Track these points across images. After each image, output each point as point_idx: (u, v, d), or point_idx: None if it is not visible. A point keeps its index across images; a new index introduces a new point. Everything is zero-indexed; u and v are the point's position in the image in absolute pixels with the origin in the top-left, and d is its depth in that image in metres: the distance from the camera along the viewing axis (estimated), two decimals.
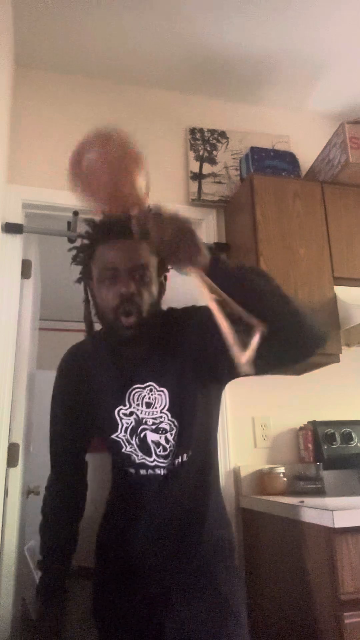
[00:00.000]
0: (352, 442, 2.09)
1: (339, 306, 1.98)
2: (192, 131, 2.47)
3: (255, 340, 0.87)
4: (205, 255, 0.95)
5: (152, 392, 1.16)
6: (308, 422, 2.14)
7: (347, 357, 2.01)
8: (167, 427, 1.15)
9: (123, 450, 1.17)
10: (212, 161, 2.44)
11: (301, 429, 2.15)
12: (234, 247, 2.24)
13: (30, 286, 2.21)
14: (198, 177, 2.39)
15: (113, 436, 1.17)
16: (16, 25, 2.09)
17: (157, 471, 1.16)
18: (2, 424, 1.87)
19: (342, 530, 1.35)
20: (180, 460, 1.17)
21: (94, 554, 1.30)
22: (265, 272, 1.13)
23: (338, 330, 1.97)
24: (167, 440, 1.15)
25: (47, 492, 1.29)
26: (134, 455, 1.17)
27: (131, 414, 1.16)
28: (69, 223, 2.18)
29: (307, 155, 2.40)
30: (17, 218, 2.10)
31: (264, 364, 0.95)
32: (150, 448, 1.16)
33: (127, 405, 1.16)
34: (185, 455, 1.17)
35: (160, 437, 1.15)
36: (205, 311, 1.05)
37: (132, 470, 1.19)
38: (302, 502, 1.59)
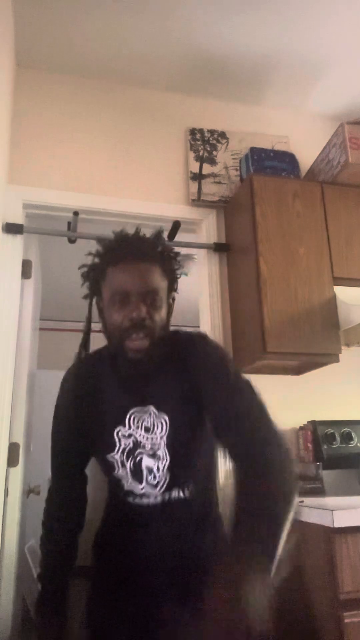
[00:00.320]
0: (352, 442, 2.09)
1: (339, 306, 1.98)
2: (192, 131, 2.47)
3: None
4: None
5: (151, 417, 1.13)
6: (308, 422, 2.14)
7: (346, 357, 2.01)
8: (161, 456, 1.12)
9: (115, 472, 1.14)
10: (212, 161, 2.44)
11: (301, 428, 2.15)
12: (234, 247, 2.25)
13: (30, 286, 2.21)
14: (198, 177, 2.40)
15: (109, 456, 1.14)
16: (16, 25, 2.10)
17: (145, 500, 1.13)
18: (2, 424, 1.88)
19: (341, 530, 1.35)
20: (176, 496, 1.13)
21: (90, 560, 1.30)
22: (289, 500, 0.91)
23: (338, 330, 1.97)
24: (158, 469, 1.12)
25: (48, 504, 1.28)
26: (124, 481, 1.14)
27: (130, 435, 1.13)
28: (69, 223, 2.18)
29: (306, 155, 2.40)
30: (18, 218, 2.11)
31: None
32: (142, 474, 1.12)
33: (127, 427, 1.13)
34: (181, 492, 1.13)
35: (155, 464, 1.12)
36: (214, 356, 1.12)
37: (121, 495, 1.17)
38: (302, 502, 1.59)
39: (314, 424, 2.10)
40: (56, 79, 2.37)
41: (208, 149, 2.46)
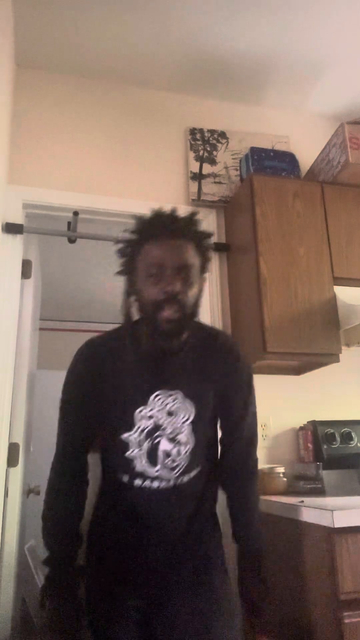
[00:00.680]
0: (352, 442, 2.09)
1: (339, 306, 1.98)
2: (192, 131, 2.47)
3: None
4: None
5: (176, 401, 1.15)
6: (308, 422, 2.14)
7: (346, 357, 2.01)
8: (184, 440, 1.14)
9: (128, 453, 1.14)
10: (212, 161, 2.44)
11: (301, 428, 2.15)
12: (234, 247, 2.24)
13: (30, 286, 2.21)
14: (198, 177, 2.40)
15: (124, 436, 1.14)
16: (16, 25, 2.10)
17: (155, 484, 1.14)
18: (2, 424, 1.87)
19: (341, 530, 1.35)
20: (189, 477, 1.16)
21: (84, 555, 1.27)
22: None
23: (338, 330, 1.97)
24: (178, 453, 1.14)
25: (50, 490, 1.24)
26: (136, 462, 1.14)
27: (151, 417, 1.14)
28: (69, 223, 2.18)
29: (306, 155, 2.40)
30: (17, 218, 2.10)
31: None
32: (157, 457, 1.13)
33: (149, 409, 1.14)
34: (193, 473, 1.17)
35: (173, 449, 1.14)
36: (247, 377, 1.25)
37: (126, 479, 1.16)
38: (302, 502, 1.59)
39: (314, 424, 2.10)
40: (56, 79, 2.37)
41: (208, 149, 2.46)
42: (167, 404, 1.14)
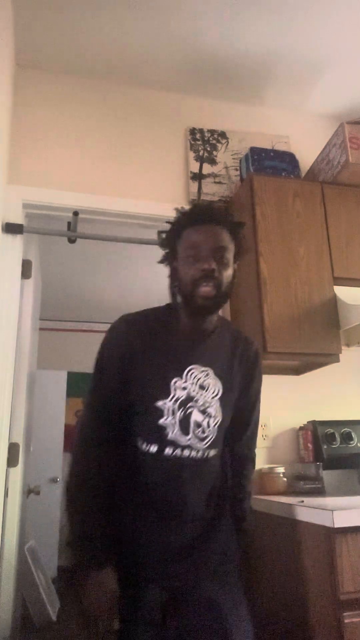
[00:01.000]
0: (351, 442, 2.09)
1: (339, 306, 1.98)
2: (192, 131, 2.47)
3: None
4: None
5: (208, 378, 1.25)
6: (308, 422, 2.14)
7: (347, 357, 2.01)
8: (213, 413, 1.24)
9: (162, 420, 1.19)
10: (212, 161, 2.44)
11: (301, 428, 2.15)
12: None
13: (30, 286, 2.21)
14: (198, 177, 2.40)
15: (159, 403, 1.20)
16: (16, 25, 2.10)
17: (186, 452, 1.19)
18: (2, 424, 1.87)
19: (341, 530, 1.35)
20: (214, 452, 1.25)
21: None
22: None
23: (338, 330, 1.97)
24: (208, 425, 1.22)
25: (77, 457, 1.23)
26: (169, 430, 1.19)
27: (184, 388, 1.22)
28: (69, 223, 2.18)
29: (307, 155, 2.40)
30: (18, 218, 2.11)
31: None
32: (189, 427, 1.20)
33: (183, 380, 1.22)
34: (217, 450, 1.26)
35: (204, 420, 1.22)
36: (260, 368, 1.39)
37: (154, 449, 1.19)
38: (302, 502, 1.59)
39: (314, 424, 2.10)
40: (56, 79, 2.37)
41: (208, 149, 2.46)
42: (199, 378, 1.24)
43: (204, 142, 2.47)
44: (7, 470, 1.90)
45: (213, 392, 1.25)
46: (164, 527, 1.20)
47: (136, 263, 4.07)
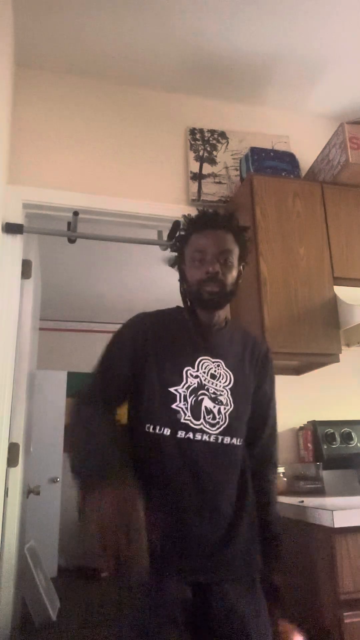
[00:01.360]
0: (351, 442, 2.09)
1: (339, 306, 1.98)
2: (192, 131, 2.47)
3: None
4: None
5: (219, 368, 1.31)
6: (308, 422, 2.14)
7: (347, 357, 2.01)
8: (224, 401, 1.28)
9: (174, 404, 1.23)
10: (212, 161, 2.44)
11: (301, 428, 2.15)
12: None
13: (30, 286, 2.21)
14: (198, 177, 2.40)
15: (172, 389, 1.25)
16: (16, 25, 2.10)
17: (199, 435, 1.22)
18: (2, 424, 1.87)
19: (342, 530, 1.35)
20: (231, 440, 1.26)
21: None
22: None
23: (338, 330, 1.97)
24: (219, 412, 1.26)
25: (75, 418, 1.23)
26: (182, 413, 1.23)
27: (196, 377, 1.28)
28: (69, 223, 2.18)
29: (307, 155, 2.40)
30: (18, 218, 2.11)
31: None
32: (200, 413, 1.25)
33: (195, 369, 1.28)
34: (235, 439, 1.27)
35: (215, 407, 1.26)
36: (272, 366, 1.43)
37: (168, 432, 1.22)
38: (302, 502, 1.59)
39: (314, 424, 2.10)
40: (56, 79, 2.37)
41: (208, 149, 2.46)
42: (210, 368, 1.30)
43: (204, 142, 2.47)
44: (7, 470, 1.90)
45: (224, 382, 1.30)
46: (182, 516, 1.18)
47: (136, 263, 4.07)
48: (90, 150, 2.32)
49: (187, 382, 1.26)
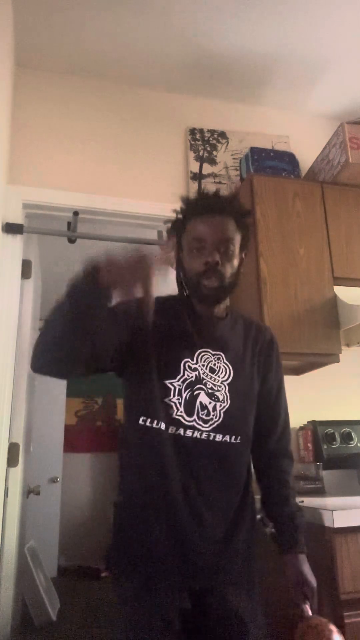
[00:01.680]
0: (351, 442, 2.09)
1: (339, 306, 1.98)
2: (192, 131, 2.47)
3: None
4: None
5: (219, 362, 1.24)
6: (308, 422, 2.14)
7: (347, 357, 2.01)
8: (221, 398, 1.21)
9: (167, 399, 1.18)
10: (212, 161, 2.44)
11: (301, 428, 2.15)
12: None
13: (30, 286, 2.21)
14: (198, 177, 2.40)
15: (167, 381, 1.19)
16: (16, 25, 2.10)
17: (189, 432, 1.16)
18: (2, 424, 1.88)
19: (342, 530, 1.35)
20: (221, 439, 1.19)
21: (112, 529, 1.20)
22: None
23: (338, 330, 1.97)
24: (214, 409, 1.20)
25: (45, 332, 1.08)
26: (174, 408, 1.18)
27: (195, 370, 1.21)
28: (69, 223, 2.18)
29: (307, 155, 2.40)
30: (17, 218, 2.11)
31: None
32: (194, 408, 1.18)
33: (194, 362, 1.22)
34: (231, 438, 1.20)
35: (210, 403, 1.20)
36: (279, 356, 1.40)
37: (163, 425, 1.16)
38: (302, 502, 1.58)
39: (314, 424, 2.10)
40: (56, 79, 2.37)
41: (208, 149, 2.46)
42: (210, 361, 1.23)
43: (204, 142, 2.47)
44: (7, 470, 1.90)
45: (223, 377, 1.23)
46: (177, 517, 1.13)
47: None
48: (90, 150, 2.32)
49: (183, 374, 1.20)
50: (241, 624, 1.12)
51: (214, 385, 1.21)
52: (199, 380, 1.20)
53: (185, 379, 1.20)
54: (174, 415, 1.17)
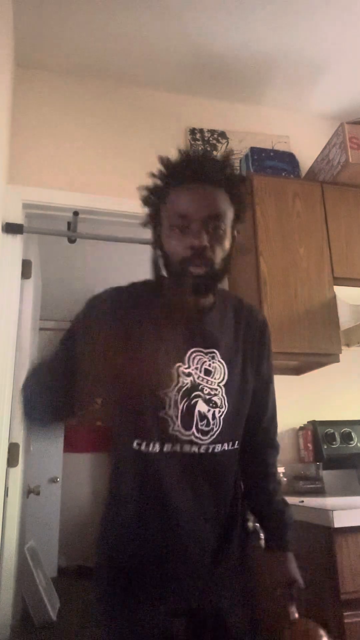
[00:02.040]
0: (351, 442, 2.09)
1: (339, 306, 1.98)
2: (192, 131, 2.47)
3: None
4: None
5: (214, 361, 1.06)
6: (308, 422, 2.14)
7: (347, 357, 2.01)
8: (219, 403, 1.05)
9: (163, 412, 1.01)
10: None
11: (301, 428, 2.15)
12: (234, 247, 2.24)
13: (30, 286, 2.21)
14: None
15: (161, 392, 1.01)
16: (16, 25, 2.09)
17: (187, 448, 1.01)
18: (2, 424, 1.88)
19: (342, 530, 1.35)
20: (221, 448, 1.05)
21: (95, 554, 1.10)
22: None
23: (338, 330, 1.97)
24: (213, 416, 1.04)
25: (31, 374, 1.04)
26: (171, 422, 1.01)
27: (189, 375, 1.03)
28: (69, 223, 2.18)
29: (307, 155, 2.40)
30: (17, 218, 2.10)
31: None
32: (193, 420, 1.02)
33: (186, 365, 1.04)
34: (227, 446, 1.07)
35: (209, 411, 1.04)
36: (270, 345, 1.20)
37: (157, 448, 1.01)
38: (302, 502, 1.59)
39: (314, 424, 2.10)
40: (56, 79, 2.37)
41: (208, 148, 2.46)
42: (204, 362, 1.05)
43: (204, 142, 2.47)
44: (7, 470, 1.90)
45: (219, 378, 1.06)
46: (170, 536, 1.02)
47: (136, 263, 4.06)
48: (90, 150, 2.32)
49: (178, 382, 1.02)
50: (236, 631, 1.04)
51: (211, 389, 1.05)
52: (195, 386, 1.03)
53: (181, 387, 1.02)
54: (171, 431, 1.01)
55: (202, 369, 1.05)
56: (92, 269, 4.26)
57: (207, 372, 1.05)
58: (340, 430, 2.11)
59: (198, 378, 1.04)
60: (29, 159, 2.22)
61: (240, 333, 1.13)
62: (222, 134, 2.50)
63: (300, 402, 2.19)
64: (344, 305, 1.97)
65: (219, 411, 1.05)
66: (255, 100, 2.60)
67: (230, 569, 1.07)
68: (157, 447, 1.01)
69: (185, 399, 1.02)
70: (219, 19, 2.10)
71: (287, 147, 2.53)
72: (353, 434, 2.11)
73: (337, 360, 1.96)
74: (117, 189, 2.29)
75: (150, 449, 1.01)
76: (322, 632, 1.00)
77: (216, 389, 1.05)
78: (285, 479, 1.96)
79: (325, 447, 2.05)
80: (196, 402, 1.03)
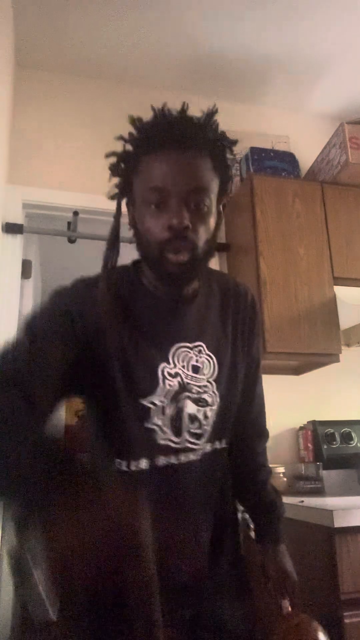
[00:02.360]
0: (351, 442, 2.09)
1: (339, 306, 1.98)
2: None
3: None
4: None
5: (201, 355, 0.92)
6: (308, 422, 2.14)
7: (347, 357, 2.01)
8: (210, 401, 0.92)
9: (148, 422, 0.86)
10: None
11: (301, 428, 2.15)
12: (234, 247, 2.24)
13: (30, 286, 2.21)
14: None
15: (145, 400, 0.86)
16: (16, 25, 2.09)
17: (182, 457, 0.89)
18: None
19: (341, 530, 1.35)
20: (213, 447, 0.94)
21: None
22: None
23: (338, 330, 1.97)
24: (205, 416, 0.91)
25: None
26: (159, 432, 0.87)
27: (176, 375, 0.89)
28: (69, 223, 2.18)
29: (306, 155, 2.40)
30: (17, 218, 2.10)
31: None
32: (182, 424, 0.89)
33: (172, 365, 0.89)
34: (221, 442, 0.96)
35: (199, 411, 0.90)
36: (259, 330, 1.09)
37: (145, 464, 0.87)
38: (302, 502, 1.59)
39: (314, 424, 2.10)
40: (56, 79, 2.37)
41: None
42: (190, 358, 0.91)
43: None
44: None
45: (208, 373, 0.93)
46: (165, 559, 0.89)
47: None
48: (90, 150, 2.31)
49: (164, 385, 0.87)
50: (235, 630, 0.97)
51: (200, 387, 0.91)
52: (183, 387, 0.89)
53: (168, 391, 0.88)
54: (160, 441, 0.87)
55: (190, 367, 0.91)
56: (92, 269, 4.26)
57: (195, 369, 0.91)
58: (340, 430, 2.11)
59: (186, 377, 0.90)
60: (28, 158, 2.22)
61: (228, 316, 0.99)
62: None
63: (300, 402, 2.19)
64: (344, 305, 1.97)
65: (211, 409, 0.92)
66: (255, 100, 2.60)
67: (224, 575, 0.99)
68: (144, 464, 0.87)
69: (173, 404, 0.89)
70: (219, 19, 2.10)
71: (287, 147, 2.53)
72: (353, 434, 2.11)
73: (337, 360, 1.96)
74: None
75: (133, 467, 0.87)
76: (315, 625, 0.97)
77: (206, 386, 0.92)
78: (285, 479, 1.96)
79: (325, 447, 2.05)
80: (184, 404, 0.90)
